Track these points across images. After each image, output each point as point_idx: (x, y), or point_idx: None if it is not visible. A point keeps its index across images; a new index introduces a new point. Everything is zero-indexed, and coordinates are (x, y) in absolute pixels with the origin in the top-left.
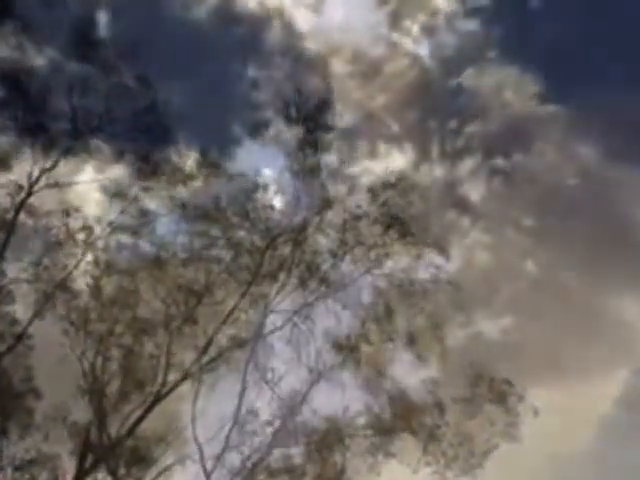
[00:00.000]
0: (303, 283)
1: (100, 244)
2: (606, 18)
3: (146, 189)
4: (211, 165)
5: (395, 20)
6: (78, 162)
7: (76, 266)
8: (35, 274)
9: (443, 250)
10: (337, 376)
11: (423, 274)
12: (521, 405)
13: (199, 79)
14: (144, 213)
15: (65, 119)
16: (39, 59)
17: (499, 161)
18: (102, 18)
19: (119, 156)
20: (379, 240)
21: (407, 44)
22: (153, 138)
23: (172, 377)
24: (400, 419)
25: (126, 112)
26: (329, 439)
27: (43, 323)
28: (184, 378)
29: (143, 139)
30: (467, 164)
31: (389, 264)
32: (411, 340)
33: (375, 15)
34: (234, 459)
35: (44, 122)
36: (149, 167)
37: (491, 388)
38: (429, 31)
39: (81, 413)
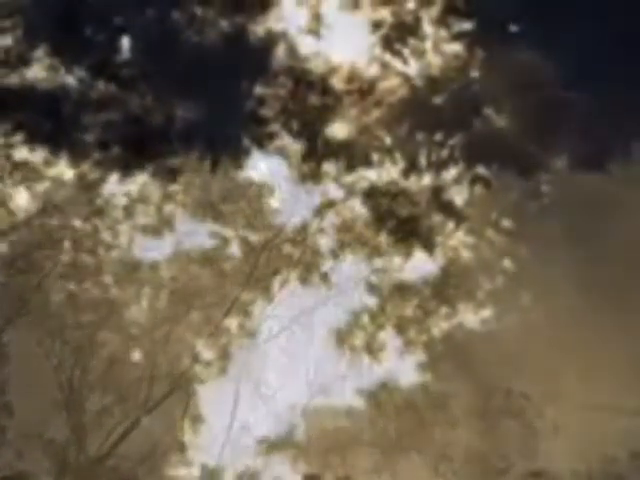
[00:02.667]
0: (304, 282)
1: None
2: (574, 44)
3: (165, 193)
4: (222, 171)
5: (388, 43)
6: (103, 170)
7: (54, 268)
8: (8, 276)
9: (430, 249)
10: (338, 387)
11: (413, 271)
12: (540, 421)
13: (211, 96)
14: (162, 215)
15: (90, 132)
16: (69, 78)
17: (480, 169)
18: (125, 42)
19: (140, 164)
20: (374, 240)
21: (398, 65)
22: (171, 148)
23: (158, 389)
24: (407, 435)
25: (146, 125)
26: (329, 457)
27: (15, 331)
28: (172, 390)
29: (162, 149)
30: (451, 172)
31: (382, 262)
32: (401, 329)
33: (370, 39)
34: (227, 479)
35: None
36: (167, 174)
37: (507, 401)
38: (418, 53)
39: (58, 430)
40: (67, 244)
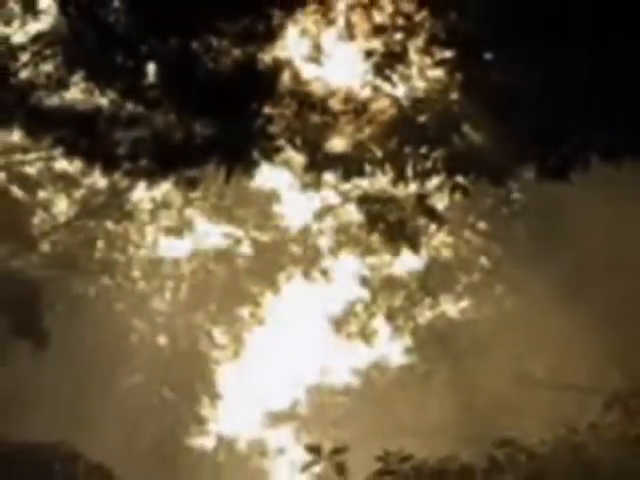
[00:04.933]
0: (306, 277)
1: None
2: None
3: (185, 199)
4: (235, 181)
5: (379, 70)
6: (132, 179)
7: (90, 264)
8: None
9: (416, 248)
10: (336, 367)
11: (401, 267)
12: (510, 397)
13: (226, 115)
14: (183, 218)
15: (120, 146)
16: (102, 100)
17: (459, 179)
18: (150, 68)
19: (164, 174)
20: (367, 241)
21: (388, 88)
22: (190, 160)
23: (181, 370)
24: (394, 408)
25: (169, 140)
26: (328, 429)
27: (55, 319)
28: (192, 371)
29: (182, 161)
30: (434, 181)
31: (374, 259)
32: (391, 318)
33: (363, 66)
34: (239, 447)
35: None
36: (187, 182)
37: (481, 380)
38: (405, 78)
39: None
40: (101, 244)
